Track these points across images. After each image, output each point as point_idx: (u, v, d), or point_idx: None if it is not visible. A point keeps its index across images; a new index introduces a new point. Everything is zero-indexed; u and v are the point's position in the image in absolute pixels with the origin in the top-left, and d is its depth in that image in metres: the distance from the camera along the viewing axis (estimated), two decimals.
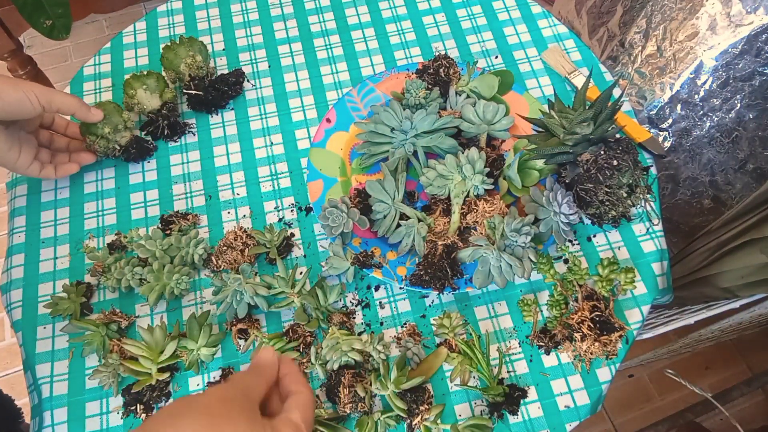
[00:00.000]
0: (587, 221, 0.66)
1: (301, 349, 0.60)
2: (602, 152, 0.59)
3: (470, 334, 0.60)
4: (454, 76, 0.72)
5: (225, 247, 0.64)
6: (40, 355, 0.60)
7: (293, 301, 0.60)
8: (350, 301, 0.63)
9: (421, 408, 0.55)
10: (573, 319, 0.58)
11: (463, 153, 0.63)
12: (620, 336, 0.58)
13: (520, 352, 0.60)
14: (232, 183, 0.71)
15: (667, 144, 0.99)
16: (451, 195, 0.63)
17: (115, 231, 0.67)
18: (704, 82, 0.93)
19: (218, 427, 0.35)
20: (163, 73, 0.75)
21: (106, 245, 0.65)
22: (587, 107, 0.60)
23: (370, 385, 0.56)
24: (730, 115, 0.95)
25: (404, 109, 0.68)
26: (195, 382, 0.59)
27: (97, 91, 0.78)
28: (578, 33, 1.17)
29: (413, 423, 0.55)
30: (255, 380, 0.41)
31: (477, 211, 0.63)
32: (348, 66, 0.80)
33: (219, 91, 0.74)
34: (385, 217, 0.63)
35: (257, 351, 0.42)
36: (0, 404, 0.79)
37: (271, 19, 0.85)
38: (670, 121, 0.98)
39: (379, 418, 0.55)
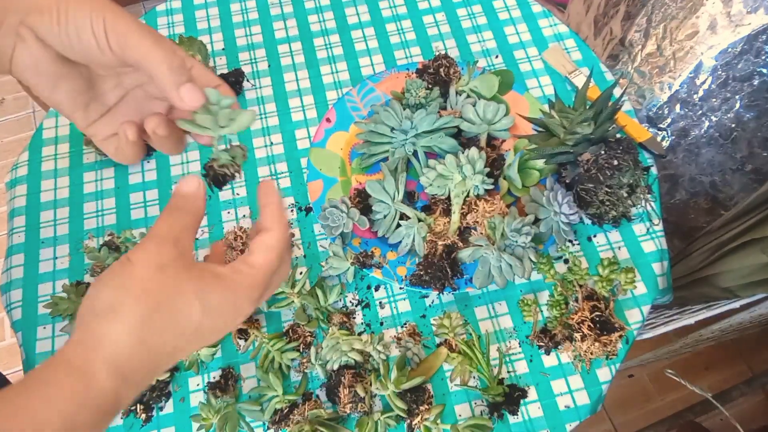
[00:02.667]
0: (587, 221, 0.66)
1: (301, 349, 0.60)
2: (602, 152, 0.59)
3: (470, 334, 0.60)
4: (454, 76, 0.72)
5: (225, 247, 0.64)
6: (40, 355, 0.60)
7: (293, 301, 0.60)
8: (350, 301, 0.63)
9: (421, 408, 0.55)
10: (573, 319, 0.58)
11: (463, 153, 0.63)
12: (620, 336, 0.58)
13: (520, 352, 0.60)
14: (231, 183, 0.71)
15: (666, 143, 0.99)
16: (451, 195, 0.63)
17: (108, 232, 0.67)
18: (703, 82, 0.93)
19: (167, 308, 0.30)
20: None
21: (100, 246, 0.65)
22: (588, 107, 0.60)
23: (370, 385, 0.56)
24: (729, 116, 0.95)
25: (404, 109, 0.68)
26: (195, 382, 0.59)
27: None
28: (585, 36, 1.17)
29: (413, 423, 0.55)
30: (178, 221, 0.33)
31: (477, 211, 0.62)
32: (348, 66, 0.80)
33: None
34: (385, 217, 0.63)
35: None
36: None
37: (271, 18, 0.85)
38: (669, 120, 0.98)
39: (379, 418, 0.55)
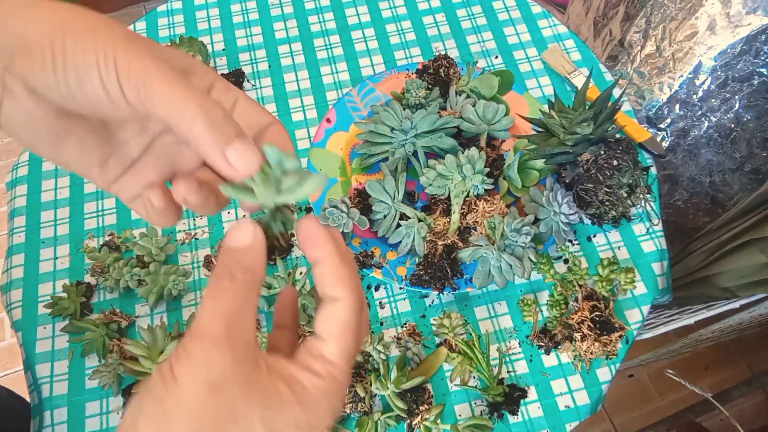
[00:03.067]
0: (587, 221, 0.66)
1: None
2: (602, 152, 0.59)
3: (470, 334, 0.60)
4: (454, 76, 0.72)
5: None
6: (40, 355, 0.60)
7: None
8: None
9: (421, 408, 0.55)
10: (573, 319, 0.58)
11: (463, 153, 0.63)
12: (620, 336, 0.58)
13: (520, 352, 0.60)
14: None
15: (665, 144, 0.99)
16: (451, 195, 0.63)
17: (109, 231, 0.67)
18: (703, 83, 0.94)
19: None
20: None
21: (100, 246, 0.65)
22: (587, 107, 0.60)
23: (370, 385, 0.56)
24: (729, 116, 0.95)
25: (404, 109, 0.68)
26: None
27: None
28: (584, 37, 1.17)
29: (413, 423, 0.55)
30: (231, 299, 0.25)
31: (477, 211, 0.63)
32: (348, 66, 0.80)
33: None
34: (385, 217, 0.63)
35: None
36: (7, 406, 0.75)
37: (271, 19, 0.85)
38: (668, 121, 0.98)
39: (379, 418, 0.55)
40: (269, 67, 0.80)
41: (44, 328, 0.62)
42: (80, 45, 0.23)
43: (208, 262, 0.64)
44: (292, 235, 0.27)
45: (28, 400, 0.61)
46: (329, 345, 0.25)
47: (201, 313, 0.24)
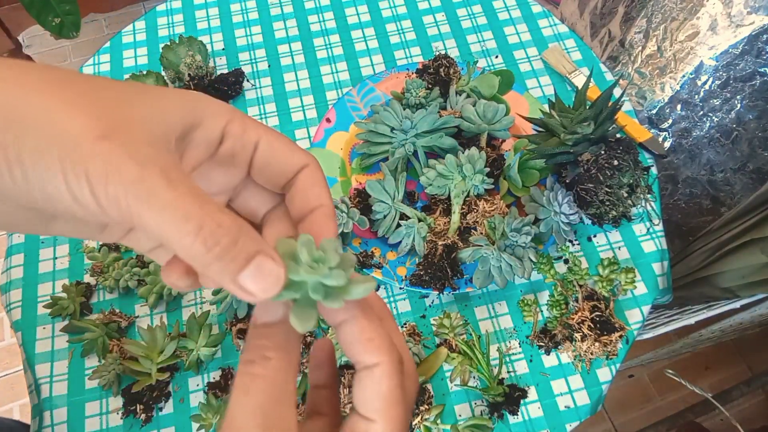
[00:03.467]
0: (587, 221, 0.66)
1: (301, 350, 0.59)
2: (603, 152, 0.59)
3: (470, 334, 0.60)
4: (454, 76, 0.72)
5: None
6: (40, 355, 0.60)
7: None
8: None
9: (421, 408, 0.55)
10: (573, 319, 0.58)
11: (463, 153, 0.63)
12: (620, 336, 0.58)
13: (520, 352, 0.60)
14: None
15: (667, 144, 0.99)
16: (451, 195, 0.63)
17: None
18: (704, 83, 0.93)
19: None
20: (163, 73, 0.75)
21: (99, 246, 0.65)
22: (588, 107, 0.59)
23: None
24: (730, 116, 0.95)
25: (404, 109, 0.68)
26: (195, 383, 0.59)
27: None
28: (580, 36, 1.17)
29: (413, 423, 0.55)
30: (263, 391, 0.21)
31: (477, 211, 0.62)
32: (348, 66, 0.80)
33: (218, 91, 0.74)
34: (385, 217, 0.63)
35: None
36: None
37: (271, 18, 0.85)
38: (670, 121, 0.98)
39: None
40: (269, 66, 0.80)
41: (44, 328, 0.62)
42: (41, 151, 0.18)
43: None
44: None
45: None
46: (376, 425, 0.22)
47: (233, 409, 0.21)
